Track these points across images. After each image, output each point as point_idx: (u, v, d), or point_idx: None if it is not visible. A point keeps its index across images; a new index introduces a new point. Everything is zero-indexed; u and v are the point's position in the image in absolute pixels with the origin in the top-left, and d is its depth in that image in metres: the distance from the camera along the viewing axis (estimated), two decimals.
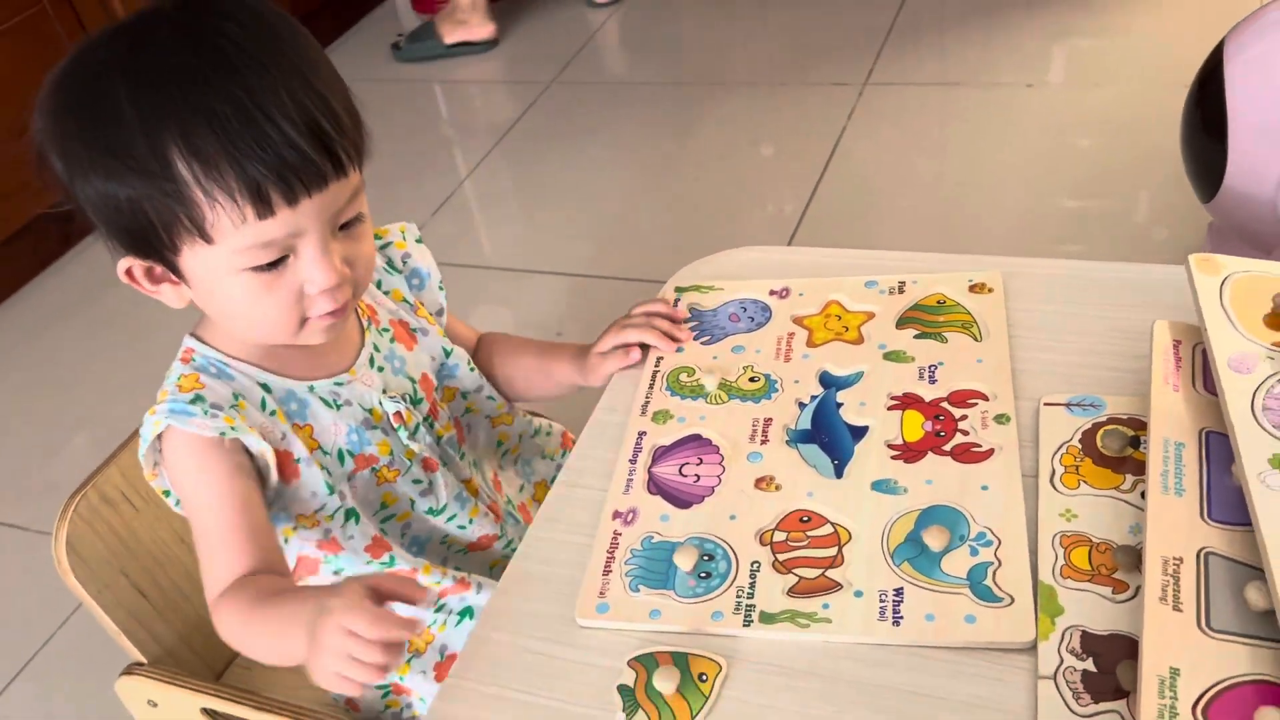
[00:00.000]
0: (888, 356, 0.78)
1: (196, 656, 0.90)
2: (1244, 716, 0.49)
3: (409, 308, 0.88)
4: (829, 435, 0.72)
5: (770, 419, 0.75)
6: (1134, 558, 0.60)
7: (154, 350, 1.05)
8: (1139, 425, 0.69)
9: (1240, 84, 1.21)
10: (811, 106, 2.26)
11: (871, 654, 0.60)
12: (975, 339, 0.78)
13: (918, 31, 2.44)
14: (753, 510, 0.68)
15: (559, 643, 0.64)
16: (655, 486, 0.72)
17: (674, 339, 0.83)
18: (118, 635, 0.84)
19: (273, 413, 0.76)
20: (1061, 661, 0.57)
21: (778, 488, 0.69)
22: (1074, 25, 2.31)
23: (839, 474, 0.70)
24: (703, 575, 0.65)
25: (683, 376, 0.80)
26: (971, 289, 0.82)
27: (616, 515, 0.70)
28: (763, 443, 0.73)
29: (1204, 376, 0.68)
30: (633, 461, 0.74)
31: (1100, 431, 0.69)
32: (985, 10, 2.44)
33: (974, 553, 0.63)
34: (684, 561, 0.65)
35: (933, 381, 0.75)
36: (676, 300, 0.88)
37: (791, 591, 0.63)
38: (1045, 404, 0.72)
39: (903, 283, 0.84)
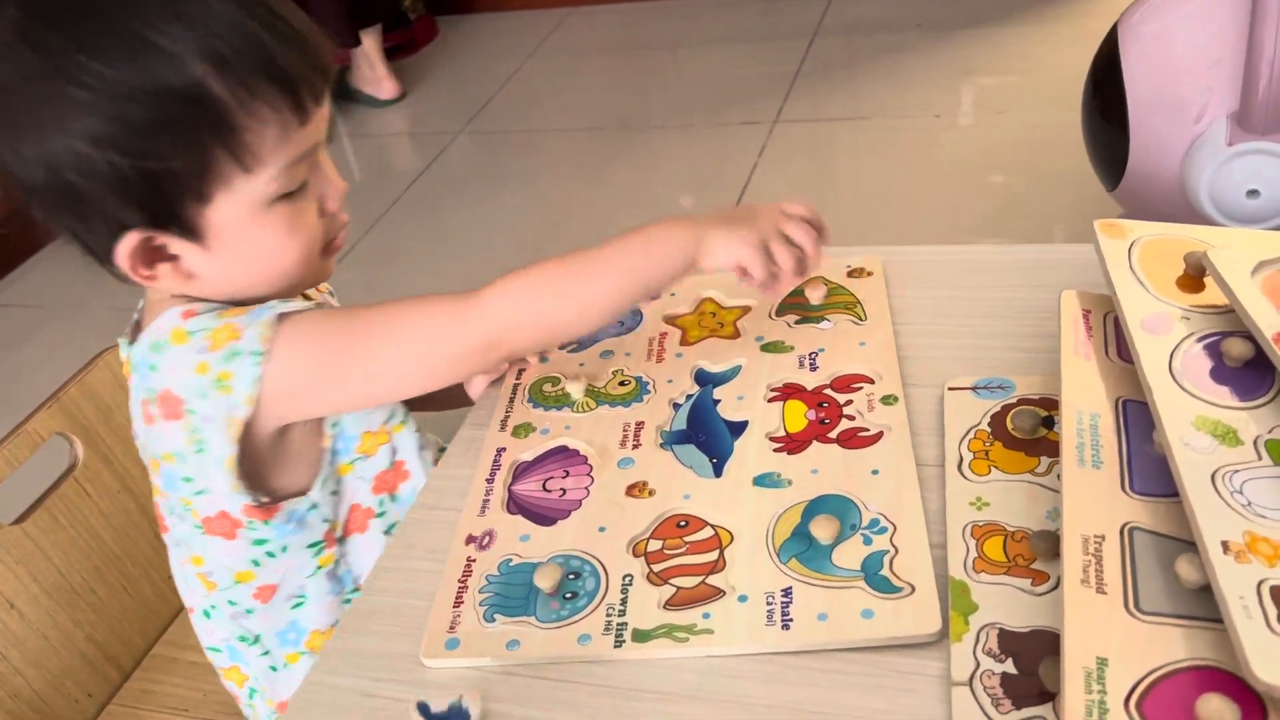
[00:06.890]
0: (765, 348, 0.72)
1: None
2: (1184, 707, 0.42)
3: None
4: (706, 434, 0.65)
5: (642, 422, 0.67)
6: (1053, 544, 0.53)
7: None
8: (1052, 405, 0.62)
9: (1137, 65, 1.19)
10: (723, 146, 2.22)
11: (760, 669, 0.51)
12: (860, 318, 0.72)
13: (827, 72, 2.43)
14: (624, 520, 0.60)
15: (407, 684, 0.55)
16: (515, 506, 0.63)
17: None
18: None
19: None
20: (978, 665, 0.49)
21: (651, 493, 0.61)
22: (977, 63, 2.32)
23: (718, 473, 0.62)
24: (568, 596, 0.56)
25: (546, 386, 0.72)
26: (850, 274, 0.77)
27: (470, 540, 0.61)
28: (634, 447, 0.65)
29: (1117, 344, 0.62)
30: (490, 481, 0.65)
31: (1010, 413, 0.63)
32: (890, 51, 2.44)
33: (867, 541, 0.55)
34: (545, 582, 0.56)
35: (814, 369, 0.69)
36: None
37: (668, 604, 0.54)
38: (950, 389, 0.66)
39: (776, 274, 0.77)
